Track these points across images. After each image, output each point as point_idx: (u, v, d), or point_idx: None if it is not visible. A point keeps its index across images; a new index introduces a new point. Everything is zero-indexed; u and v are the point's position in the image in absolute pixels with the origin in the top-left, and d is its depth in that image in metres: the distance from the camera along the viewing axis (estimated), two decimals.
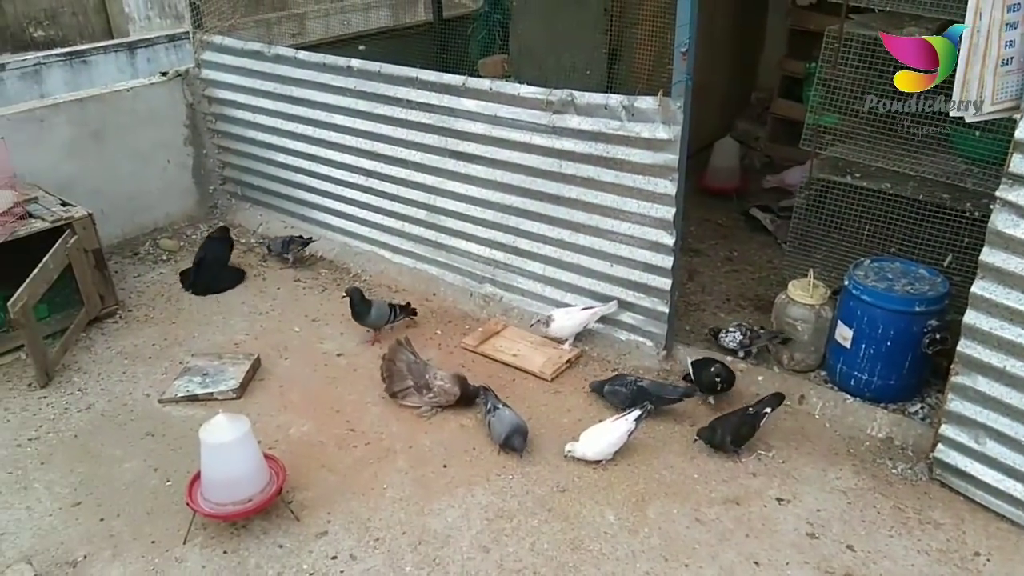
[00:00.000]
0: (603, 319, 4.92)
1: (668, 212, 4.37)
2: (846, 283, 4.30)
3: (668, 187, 4.32)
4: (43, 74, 11.51)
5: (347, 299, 5.04)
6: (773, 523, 3.66)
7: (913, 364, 4.20)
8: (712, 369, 4.35)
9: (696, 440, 4.08)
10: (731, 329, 4.69)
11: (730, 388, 4.38)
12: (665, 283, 4.58)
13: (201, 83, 6.57)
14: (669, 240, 4.44)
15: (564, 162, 4.66)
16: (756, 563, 3.45)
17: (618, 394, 4.33)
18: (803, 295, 4.53)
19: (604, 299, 4.85)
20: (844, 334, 4.30)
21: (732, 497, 3.81)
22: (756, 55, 8.29)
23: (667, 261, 4.51)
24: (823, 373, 4.58)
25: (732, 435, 3.99)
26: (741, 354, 4.65)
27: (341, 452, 4.14)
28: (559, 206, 4.82)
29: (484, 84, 4.90)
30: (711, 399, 4.40)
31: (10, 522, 3.70)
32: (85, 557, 3.52)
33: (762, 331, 4.68)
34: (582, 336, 4.97)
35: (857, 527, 3.63)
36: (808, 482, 3.89)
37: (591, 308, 4.85)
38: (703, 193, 6.88)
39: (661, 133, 4.22)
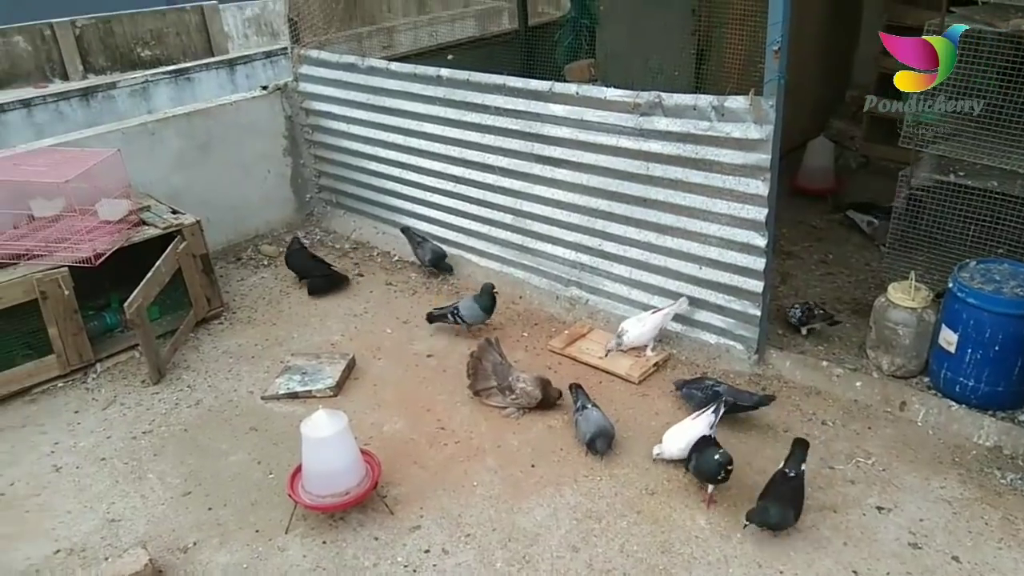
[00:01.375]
0: (692, 323, 4.87)
1: (760, 213, 4.30)
2: (951, 286, 4.13)
3: (760, 187, 4.25)
4: (150, 91, 12.27)
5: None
6: (872, 532, 3.54)
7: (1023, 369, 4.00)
8: (716, 457, 3.68)
9: (747, 525, 3.52)
10: (795, 306, 4.93)
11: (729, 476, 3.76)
12: (757, 286, 4.50)
13: (299, 96, 6.85)
14: (761, 242, 4.37)
15: (651, 164, 4.65)
16: (855, 572, 3.35)
17: (693, 397, 4.31)
18: (904, 298, 4.37)
19: (692, 302, 4.80)
20: (948, 338, 4.13)
21: (829, 504, 3.71)
22: (851, 52, 8.05)
23: (759, 263, 4.44)
24: (926, 379, 4.41)
25: (796, 508, 3.51)
26: (804, 331, 4.87)
27: (432, 449, 4.24)
28: (646, 208, 4.80)
29: (571, 89, 4.94)
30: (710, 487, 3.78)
31: (127, 509, 3.94)
32: (195, 544, 3.71)
33: (819, 312, 4.90)
34: (671, 339, 4.94)
35: (963, 538, 3.48)
36: (910, 491, 3.76)
37: (660, 310, 4.80)
38: (796, 194, 6.73)
39: (753, 133, 4.16)
